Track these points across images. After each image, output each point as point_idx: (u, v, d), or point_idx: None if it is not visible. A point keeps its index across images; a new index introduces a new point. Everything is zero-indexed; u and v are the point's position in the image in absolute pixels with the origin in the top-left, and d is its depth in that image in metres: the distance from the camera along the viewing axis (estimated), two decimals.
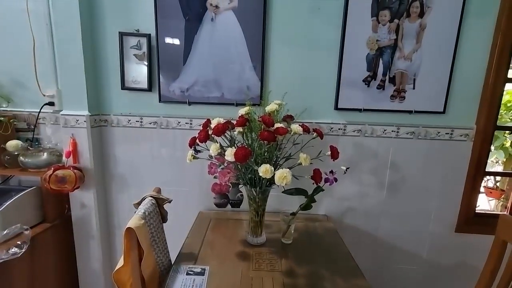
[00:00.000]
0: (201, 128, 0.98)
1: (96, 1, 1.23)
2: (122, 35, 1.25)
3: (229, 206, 1.30)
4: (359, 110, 1.29)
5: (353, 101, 1.28)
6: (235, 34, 1.23)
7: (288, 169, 0.85)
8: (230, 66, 1.25)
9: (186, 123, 1.33)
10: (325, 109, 1.30)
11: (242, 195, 1.30)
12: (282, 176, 0.83)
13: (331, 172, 1.04)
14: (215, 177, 1.04)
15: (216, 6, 1.19)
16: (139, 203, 0.96)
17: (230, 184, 1.25)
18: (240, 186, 1.15)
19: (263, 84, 1.27)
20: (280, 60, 1.27)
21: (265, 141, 0.86)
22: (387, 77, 1.25)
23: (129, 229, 0.80)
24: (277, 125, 0.90)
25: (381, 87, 1.26)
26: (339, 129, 1.32)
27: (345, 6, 1.18)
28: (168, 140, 1.35)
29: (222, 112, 1.28)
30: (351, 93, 1.27)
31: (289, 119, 1.08)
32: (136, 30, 1.25)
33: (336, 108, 1.29)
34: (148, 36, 1.25)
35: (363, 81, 1.26)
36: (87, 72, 1.26)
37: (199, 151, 1.02)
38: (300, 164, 0.93)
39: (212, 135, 0.93)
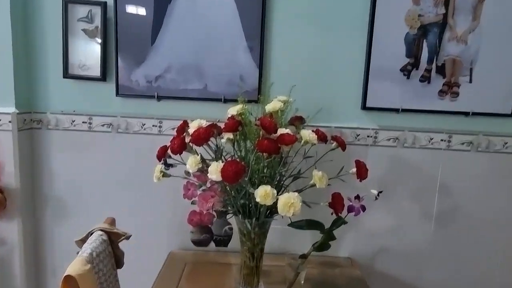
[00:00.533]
0: (175, 134, 0.98)
1: None
2: (66, 2, 1.25)
3: (212, 244, 1.37)
4: (396, 110, 1.31)
5: (388, 98, 1.30)
6: (224, 4, 1.25)
7: (296, 193, 0.85)
8: (217, 47, 1.27)
9: (153, 125, 1.35)
10: (348, 109, 1.33)
11: (231, 229, 1.36)
12: (288, 202, 0.83)
13: (357, 197, 1.04)
14: (193, 203, 1.12)
15: None
16: (83, 240, 0.96)
17: (214, 212, 1.32)
18: (228, 216, 1.17)
19: (262, 73, 1.29)
20: (287, 40, 1.29)
21: (264, 154, 0.86)
22: (433, 66, 1.28)
23: (68, 277, 0.78)
24: (281, 131, 0.90)
25: (425, 79, 1.29)
26: (368, 136, 1.34)
27: None
28: (127, 149, 1.36)
29: (205, 111, 1.28)
30: (384, 87, 1.29)
31: (298, 122, 1.09)
32: None
33: (364, 107, 1.31)
34: (103, 4, 1.25)
35: (401, 70, 1.29)
36: (16, 53, 1.26)
37: (172, 166, 1.03)
38: (314, 185, 0.93)
39: (191, 144, 0.93)
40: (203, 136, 0.90)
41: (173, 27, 1.26)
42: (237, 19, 1.25)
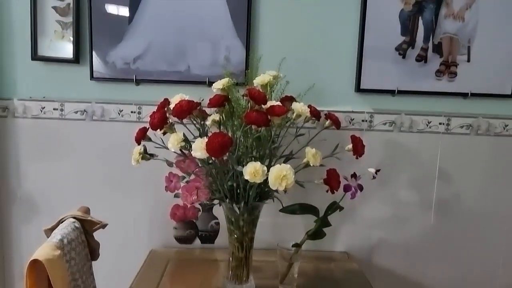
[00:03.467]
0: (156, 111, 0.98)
1: None
2: None
3: (197, 240, 1.38)
4: (392, 92, 1.34)
5: (383, 79, 1.32)
6: None
7: (289, 165, 0.86)
8: (200, 24, 1.29)
9: (132, 112, 1.35)
10: (341, 92, 1.35)
11: (217, 224, 1.38)
12: (281, 174, 0.84)
13: (354, 175, 1.03)
14: (176, 196, 1.06)
15: None
16: (52, 229, 0.94)
17: (199, 206, 1.30)
18: (214, 207, 1.16)
19: (248, 53, 1.30)
20: (275, 18, 1.31)
21: (253, 127, 0.88)
22: (430, 44, 1.31)
23: (35, 262, 0.77)
24: (271, 103, 0.92)
25: (422, 58, 1.32)
26: (363, 121, 1.36)
27: None
28: (103, 138, 1.36)
29: (188, 95, 1.22)
30: (379, 67, 1.32)
31: (288, 102, 1.06)
32: None
33: (358, 89, 1.33)
34: None
35: (397, 49, 1.32)
36: None
37: (152, 156, 1.02)
38: (307, 165, 0.95)
39: (172, 121, 0.95)
40: (186, 108, 0.91)
41: (153, 3, 1.28)
42: None
